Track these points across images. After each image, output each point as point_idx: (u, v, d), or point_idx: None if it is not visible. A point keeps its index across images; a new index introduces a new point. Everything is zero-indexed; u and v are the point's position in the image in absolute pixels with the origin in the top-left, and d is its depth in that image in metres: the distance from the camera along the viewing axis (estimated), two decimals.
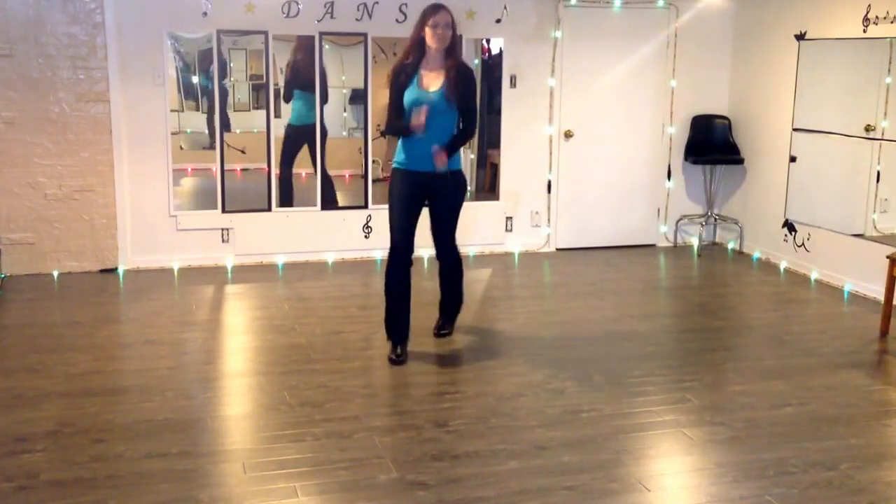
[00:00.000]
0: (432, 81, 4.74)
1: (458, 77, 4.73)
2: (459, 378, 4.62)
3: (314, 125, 7.09)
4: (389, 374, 4.67)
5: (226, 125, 7.08)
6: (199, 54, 7.13)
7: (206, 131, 7.11)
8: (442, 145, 4.67)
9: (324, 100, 7.14)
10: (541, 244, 7.64)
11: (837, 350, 5.17)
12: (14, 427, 3.89)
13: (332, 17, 6.86)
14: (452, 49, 4.75)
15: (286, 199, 7.17)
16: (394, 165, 4.89)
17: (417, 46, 4.76)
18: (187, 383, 4.50)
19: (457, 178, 4.90)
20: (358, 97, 7.39)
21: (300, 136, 7.14)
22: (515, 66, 7.29)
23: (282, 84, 7.24)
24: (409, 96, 4.73)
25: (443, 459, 3.65)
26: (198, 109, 7.40)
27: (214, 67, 6.74)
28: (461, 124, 4.83)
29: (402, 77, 4.78)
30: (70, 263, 6.58)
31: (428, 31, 4.69)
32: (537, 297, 6.34)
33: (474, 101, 4.97)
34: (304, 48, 6.97)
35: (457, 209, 4.98)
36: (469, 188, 7.61)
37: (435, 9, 4.71)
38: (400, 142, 4.85)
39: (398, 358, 4.83)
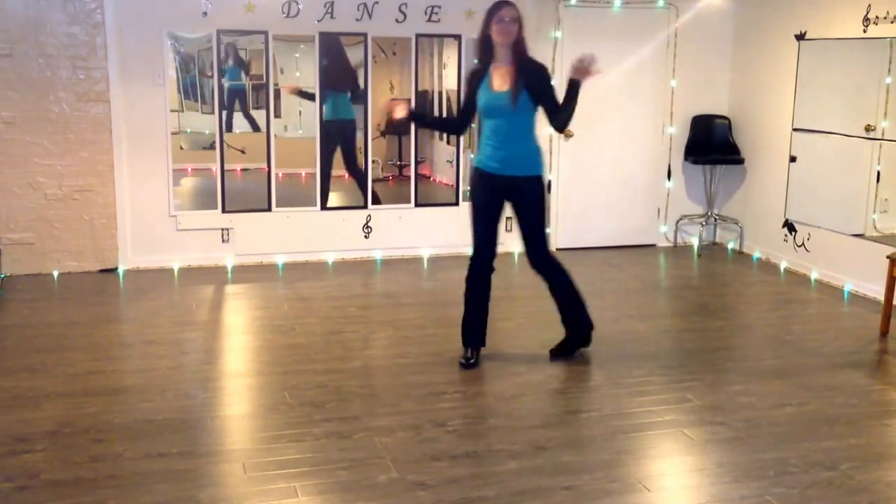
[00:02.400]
0: (502, 81, 4.60)
1: (526, 73, 4.59)
2: (459, 378, 4.62)
3: (345, 121, 7.24)
4: (389, 374, 4.67)
5: (255, 126, 7.11)
6: (202, 53, 7.14)
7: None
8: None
9: (355, 98, 7.19)
10: None
11: (837, 350, 5.17)
12: (14, 427, 3.89)
13: (332, 17, 6.86)
14: (518, 44, 4.60)
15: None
16: (474, 163, 4.82)
17: (485, 45, 4.66)
18: (187, 383, 4.49)
19: (525, 185, 4.69)
20: (358, 97, 7.39)
21: (334, 133, 7.23)
22: None
23: (280, 84, 7.27)
24: (481, 99, 4.64)
25: (442, 459, 3.65)
26: (198, 110, 7.41)
27: (214, 65, 6.72)
28: (552, 117, 4.66)
29: (475, 79, 4.70)
30: (70, 263, 6.58)
31: (493, 27, 4.57)
32: (537, 297, 6.30)
33: (553, 92, 4.67)
34: (333, 47, 7.03)
35: (537, 208, 4.73)
36: (468, 187, 7.63)
37: (500, 4, 4.59)
38: (479, 138, 4.80)
39: (468, 362, 4.75)
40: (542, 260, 4.80)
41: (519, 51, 4.61)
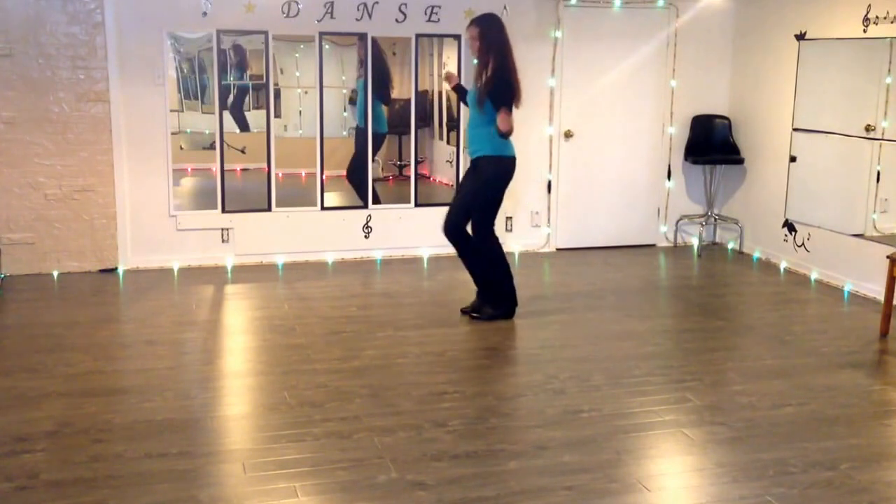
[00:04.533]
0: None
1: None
2: (459, 378, 4.62)
3: (377, 134, 7.28)
4: (389, 374, 4.67)
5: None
6: (207, 53, 7.13)
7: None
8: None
9: (385, 101, 7.19)
10: (541, 244, 7.64)
11: (837, 350, 5.17)
12: (14, 427, 3.89)
13: (332, 17, 6.85)
14: (482, 57, 5.35)
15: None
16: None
17: None
18: (187, 383, 4.49)
19: (478, 162, 5.43)
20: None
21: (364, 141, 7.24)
22: None
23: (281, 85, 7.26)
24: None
25: (443, 459, 3.65)
26: (198, 109, 7.41)
27: (215, 65, 6.72)
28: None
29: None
30: (70, 263, 6.58)
31: None
32: (537, 297, 6.33)
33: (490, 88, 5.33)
34: (376, 53, 7.05)
35: (471, 192, 5.45)
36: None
37: None
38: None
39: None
40: (451, 227, 5.51)
41: (484, 61, 5.32)
